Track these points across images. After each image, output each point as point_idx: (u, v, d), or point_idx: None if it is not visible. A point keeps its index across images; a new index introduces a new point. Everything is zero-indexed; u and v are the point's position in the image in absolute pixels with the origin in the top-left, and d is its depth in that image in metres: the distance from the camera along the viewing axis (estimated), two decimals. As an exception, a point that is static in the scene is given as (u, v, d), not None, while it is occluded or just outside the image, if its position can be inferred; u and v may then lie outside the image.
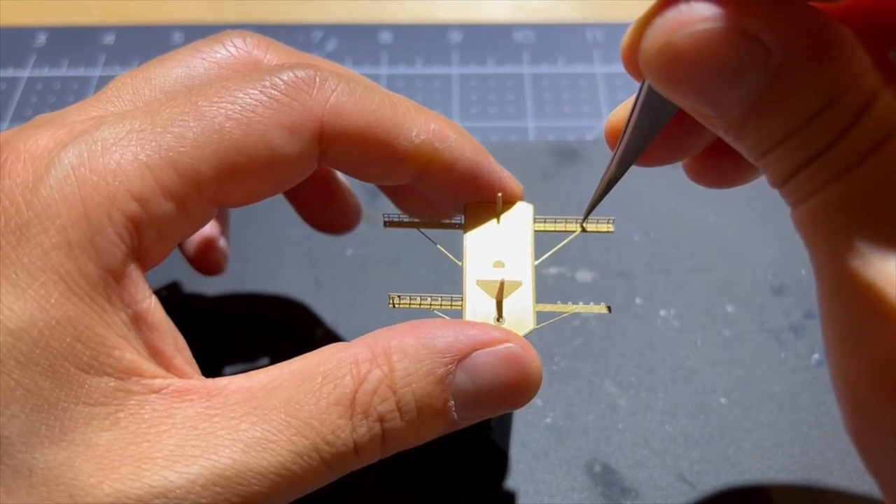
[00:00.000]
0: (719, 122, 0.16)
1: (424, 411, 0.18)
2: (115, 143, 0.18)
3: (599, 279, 0.32)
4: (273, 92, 0.19)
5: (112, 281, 0.18)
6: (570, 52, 0.43)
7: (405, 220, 0.23)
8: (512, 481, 0.27)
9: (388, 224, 0.23)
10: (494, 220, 0.22)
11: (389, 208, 0.28)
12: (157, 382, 0.18)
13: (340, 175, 0.29)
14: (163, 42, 0.44)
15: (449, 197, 0.23)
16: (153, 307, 0.19)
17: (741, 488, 0.27)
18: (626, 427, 0.28)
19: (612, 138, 0.21)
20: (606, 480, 0.27)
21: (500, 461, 0.28)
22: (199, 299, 0.32)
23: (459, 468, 0.27)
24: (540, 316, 0.21)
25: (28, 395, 0.17)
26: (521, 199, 0.23)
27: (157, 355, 0.19)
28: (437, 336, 0.19)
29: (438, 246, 0.23)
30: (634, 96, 0.18)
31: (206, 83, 0.20)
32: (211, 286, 0.32)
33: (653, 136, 0.19)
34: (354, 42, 0.44)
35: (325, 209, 0.29)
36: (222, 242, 0.29)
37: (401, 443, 0.19)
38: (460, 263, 0.22)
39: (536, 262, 0.22)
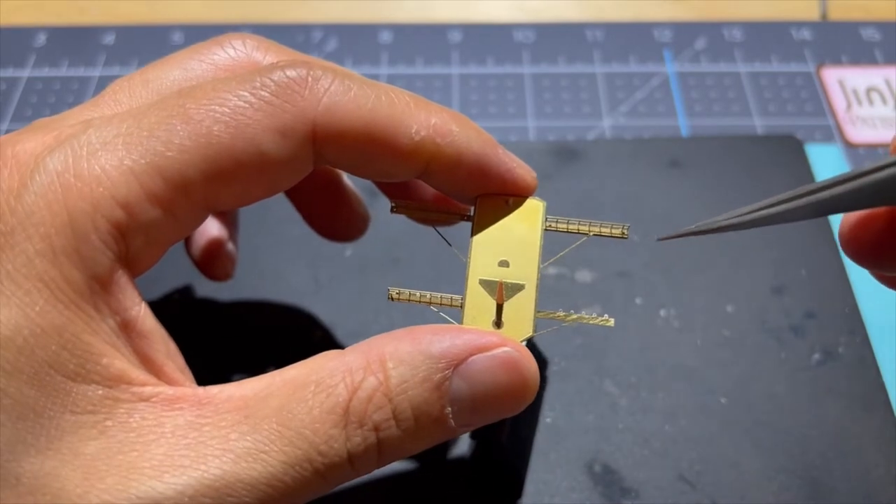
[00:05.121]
0: None
1: (421, 419, 0.18)
2: (100, 147, 0.18)
3: (599, 279, 0.32)
4: (263, 93, 0.19)
5: (98, 288, 0.17)
6: (570, 52, 0.43)
7: (412, 208, 0.22)
8: (512, 481, 0.27)
9: (396, 209, 0.22)
10: (505, 217, 0.22)
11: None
12: (147, 390, 0.18)
13: (348, 181, 0.28)
14: (163, 42, 0.44)
15: (457, 191, 0.22)
16: (143, 314, 0.19)
17: (741, 488, 0.27)
18: (626, 427, 0.28)
19: None
20: (606, 480, 0.27)
21: (500, 461, 0.28)
22: (195, 300, 0.32)
23: (459, 468, 0.27)
24: (540, 323, 0.21)
25: (14, 404, 0.16)
26: (534, 186, 0.22)
27: (147, 363, 0.18)
28: (432, 342, 0.18)
29: (444, 237, 0.22)
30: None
31: (196, 85, 0.20)
32: (208, 286, 0.31)
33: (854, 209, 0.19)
34: (354, 42, 0.44)
35: (331, 216, 0.29)
36: (230, 247, 0.29)
37: (397, 452, 0.18)
38: (465, 260, 0.21)
39: (543, 266, 0.21)
